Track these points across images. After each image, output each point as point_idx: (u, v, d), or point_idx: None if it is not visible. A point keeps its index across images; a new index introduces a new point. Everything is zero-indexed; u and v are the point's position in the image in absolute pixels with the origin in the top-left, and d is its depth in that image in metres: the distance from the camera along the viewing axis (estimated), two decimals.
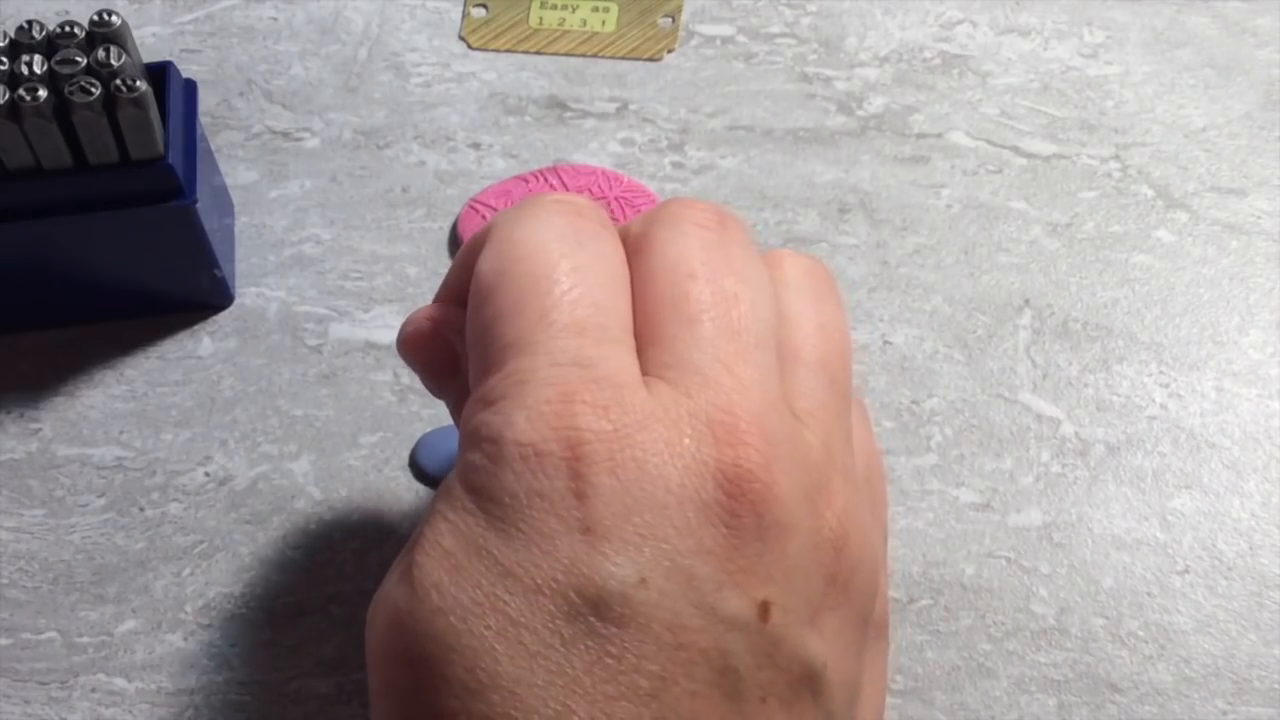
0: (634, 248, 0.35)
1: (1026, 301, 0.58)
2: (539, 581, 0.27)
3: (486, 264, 0.33)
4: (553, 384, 0.29)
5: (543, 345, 0.30)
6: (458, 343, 0.39)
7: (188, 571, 0.52)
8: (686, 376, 0.30)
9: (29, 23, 0.47)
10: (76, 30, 0.47)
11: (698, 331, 0.31)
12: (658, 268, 0.33)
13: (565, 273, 0.32)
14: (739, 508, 0.28)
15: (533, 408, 0.29)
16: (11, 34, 0.47)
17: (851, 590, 0.32)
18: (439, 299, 0.40)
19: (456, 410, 0.41)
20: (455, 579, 0.27)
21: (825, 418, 0.33)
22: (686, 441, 0.29)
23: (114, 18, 0.47)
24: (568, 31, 0.65)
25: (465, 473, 0.30)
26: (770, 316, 0.33)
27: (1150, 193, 0.60)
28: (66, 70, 0.46)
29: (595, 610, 0.27)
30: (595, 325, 0.31)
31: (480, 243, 0.36)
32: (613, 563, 0.27)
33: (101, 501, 0.53)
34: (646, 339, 0.32)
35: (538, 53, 0.65)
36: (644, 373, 0.31)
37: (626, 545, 0.27)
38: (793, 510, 0.29)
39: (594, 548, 0.27)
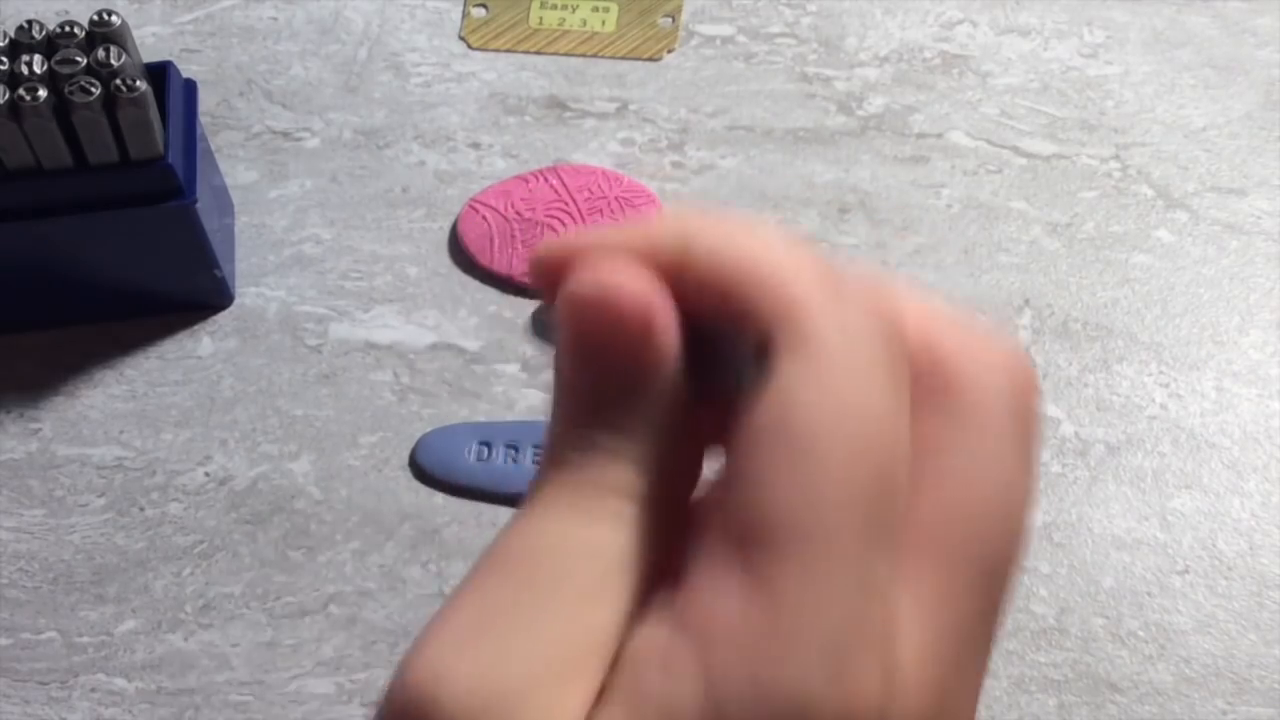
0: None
1: (1026, 301, 0.58)
2: None
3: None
4: None
5: None
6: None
7: (188, 571, 0.52)
8: None
9: (29, 22, 0.47)
10: (76, 30, 0.47)
11: None
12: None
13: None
14: None
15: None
16: (11, 34, 0.47)
17: None
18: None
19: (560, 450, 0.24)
20: None
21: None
22: None
23: (114, 18, 0.47)
24: (568, 31, 0.65)
25: None
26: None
27: (1150, 193, 0.61)
28: (66, 70, 0.46)
29: None
30: None
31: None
32: None
33: (101, 501, 0.53)
34: None
35: (538, 53, 0.65)
36: None
37: None
38: None
39: None
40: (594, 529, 0.22)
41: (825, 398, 0.21)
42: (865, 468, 0.21)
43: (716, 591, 0.21)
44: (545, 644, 0.21)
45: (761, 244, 0.22)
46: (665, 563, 0.22)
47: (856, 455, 0.21)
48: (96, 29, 0.47)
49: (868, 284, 0.23)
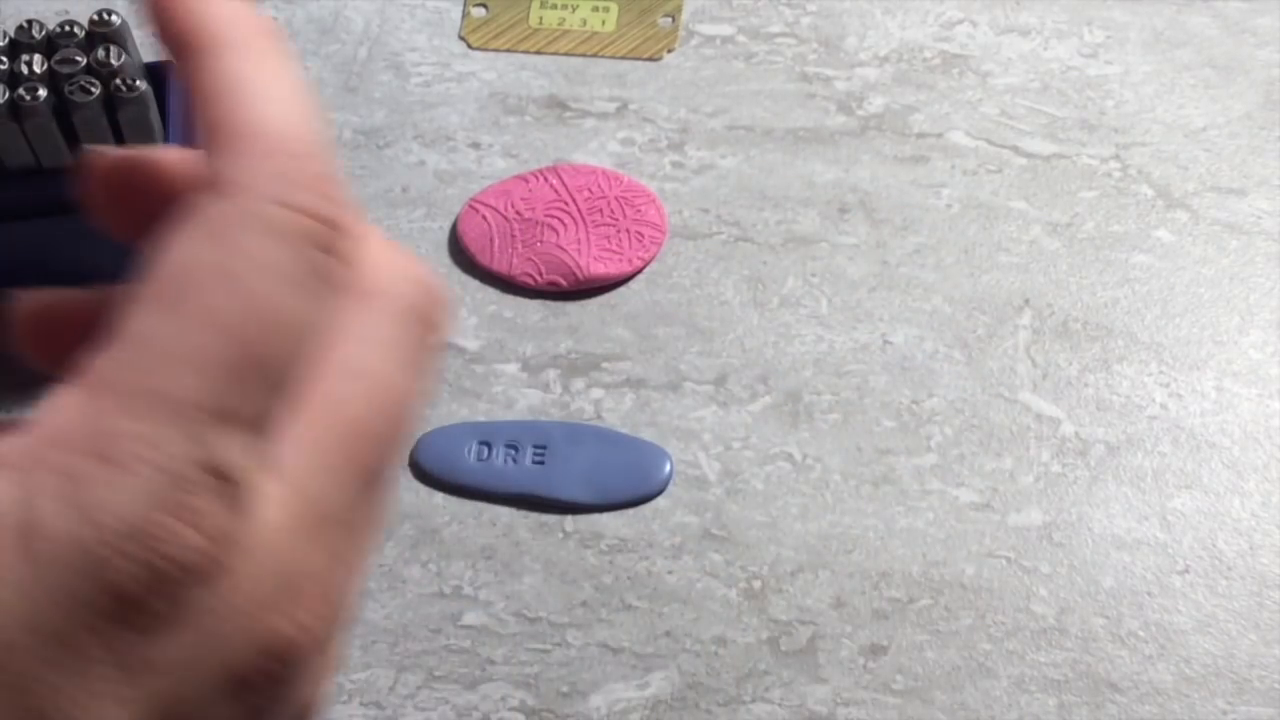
0: None
1: (1026, 301, 0.58)
2: None
3: None
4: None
5: None
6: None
7: None
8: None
9: (29, 22, 0.47)
10: (76, 30, 0.47)
11: None
12: None
13: None
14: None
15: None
16: (11, 34, 0.47)
17: None
18: None
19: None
20: None
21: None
22: None
23: (114, 17, 0.47)
24: (568, 31, 0.65)
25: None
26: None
27: (1150, 192, 0.60)
28: (66, 70, 0.46)
29: None
30: None
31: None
32: None
33: None
34: None
35: (538, 53, 0.65)
36: None
37: None
38: None
39: None
40: None
41: (213, 264, 0.23)
42: (229, 341, 0.22)
43: (56, 410, 0.22)
44: None
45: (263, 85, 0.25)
46: None
47: (224, 322, 0.22)
48: (97, 29, 0.47)
49: (339, 203, 0.24)
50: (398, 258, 0.26)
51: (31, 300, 0.29)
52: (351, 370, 0.25)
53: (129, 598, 0.22)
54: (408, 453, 0.54)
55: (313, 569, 0.24)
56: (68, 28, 0.47)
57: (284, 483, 0.24)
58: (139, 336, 0.23)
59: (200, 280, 0.23)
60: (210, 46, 0.25)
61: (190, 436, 0.22)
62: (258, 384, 0.23)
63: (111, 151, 0.28)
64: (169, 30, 0.26)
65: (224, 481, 0.22)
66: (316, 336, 0.24)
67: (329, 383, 0.24)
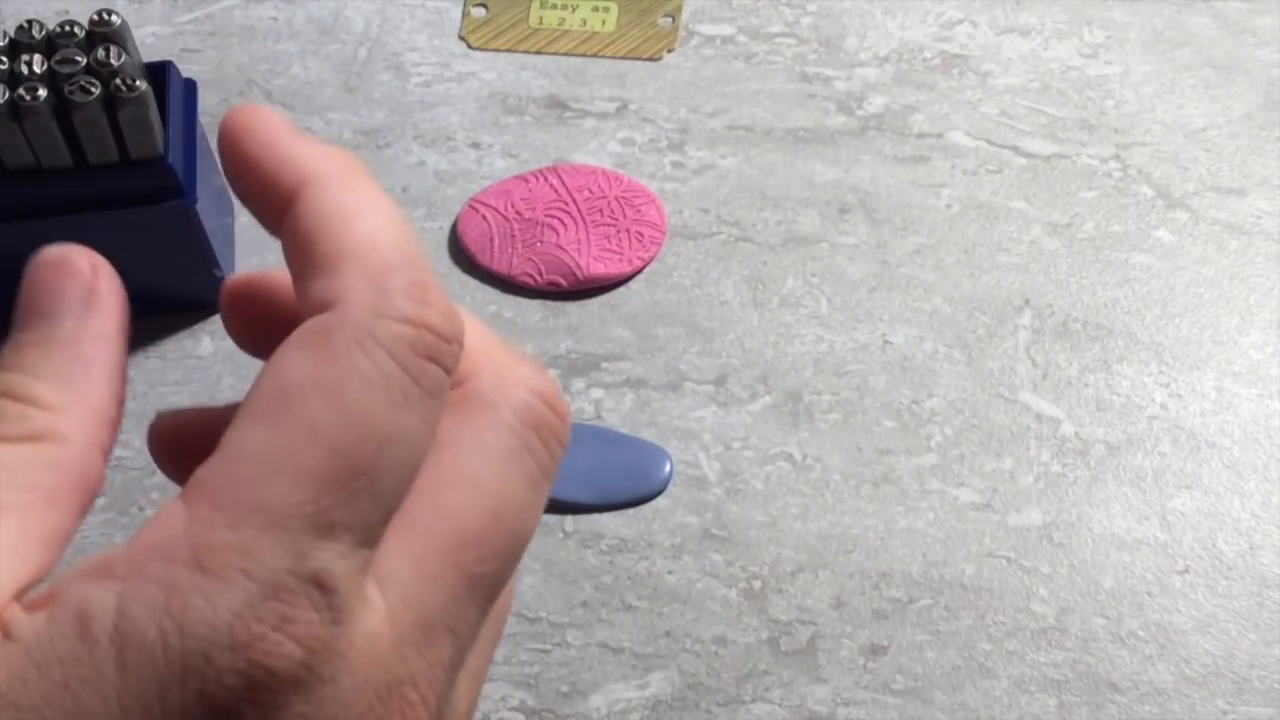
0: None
1: (1026, 301, 0.58)
2: None
3: None
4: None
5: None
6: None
7: None
8: None
9: (29, 22, 0.47)
10: (76, 30, 0.47)
11: None
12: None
13: None
14: None
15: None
16: (11, 34, 0.47)
17: None
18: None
19: None
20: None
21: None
22: None
23: (114, 17, 0.47)
24: (568, 31, 0.65)
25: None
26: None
27: (1150, 193, 0.61)
28: (66, 70, 0.46)
29: None
30: None
31: None
32: None
33: (101, 501, 0.53)
34: None
35: (538, 53, 0.65)
36: None
37: None
38: None
39: None
40: None
41: (318, 380, 0.23)
42: (331, 454, 0.22)
43: (160, 522, 0.22)
44: None
45: (358, 219, 0.24)
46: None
47: (323, 433, 0.22)
48: (97, 29, 0.47)
49: (438, 309, 0.24)
50: (517, 365, 0.26)
51: (167, 419, 0.28)
52: (462, 480, 0.24)
53: (223, 708, 0.21)
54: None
55: (417, 677, 0.24)
56: (68, 28, 0.47)
57: (387, 591, 0.23)
58: (240, 449, 0.23)
59: (300, 393, 0.23)
60: (301, 184, 0.25)
61: (288, 546, 0.22)
62: (358, 494, 0.23)
63: (241, 276, 0.28)
64: (254, 174, 0.25)
65: (323, 591, 0.22)
66: (420, 445, 0.23)
67: (437, 492, 0.24)
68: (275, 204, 0.25)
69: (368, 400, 0.23)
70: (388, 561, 0.23)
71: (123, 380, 0.25)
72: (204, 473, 0.23)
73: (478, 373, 0.25)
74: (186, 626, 0.21)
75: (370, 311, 0.23)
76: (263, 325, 0.29)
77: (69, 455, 0.24)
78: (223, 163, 0.25)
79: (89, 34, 0.47)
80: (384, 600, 0.23)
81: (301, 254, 0.25)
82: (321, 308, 0.23)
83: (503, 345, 0.26)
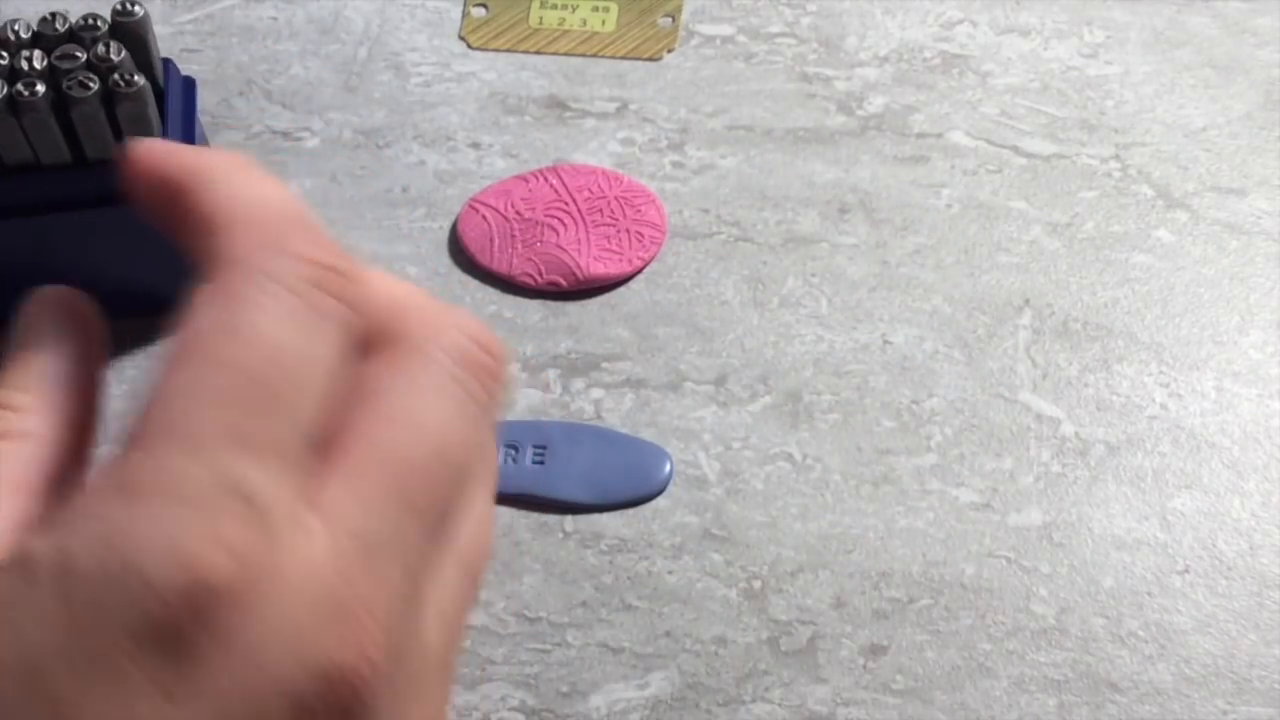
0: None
1: (1026, 301, 0.58)
2: None
3: None
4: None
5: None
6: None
7: None
8: None
9: (52, 15, 0.47)
10: (100, 23, 0.47)
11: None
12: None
13: None
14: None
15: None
16: (35, 26, 0.47)
17: None
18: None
19: None
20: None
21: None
22: None
23: (137, 8, 0.47)
24: (568, 31, 0.65)
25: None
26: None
27: (1150, 193, 0.60)
28: (65, 65, 0.46)
29: None
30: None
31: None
32: None
33: None
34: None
35: (538, 52, 0.65)
36: None
37: None
38: None
39: None
40: None
41: (219, 321, 0.24)
42: (238, 377, 0.24)
43: (99, 466, 0.24)
44: None
45: (243, 187, 0.26)
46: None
47: (230, 360, 0.24)
48: (120, 19, 0.47)
49: (332, 251, 0.26)
50: (448, 312, 0.27)
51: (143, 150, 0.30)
52: (398, 417, 0.25)
53: (162, 623, 0.22)
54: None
55: (367, 600, 0.24)
56: (91, 20, 0.47)
57: (330, 522, 0.24)
58: (155, 394, 0.24)
59: (207, 335, 0.24)
60: (194, 182, 0.26)
61: (209, 464, 0.23)
62: (273, 414, 0.24)
63: (154, 150, 0.29)
64: (156, 183, 0.27)
65: (252, 508, 0.23)
66: (329, 367, 0.25)
67: (375, 430, 0.25)
68: (169, 197, 0.27)
69: (272, 328, 0.24)
70: (329, 495, 0.24)
71: (93, 390, 0.28)
72: (131, 421, 0.24)
73: (407, 323, 0.26)
74: (125, 554, 0.22)
75: (265, 255, 0.25)
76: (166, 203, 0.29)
77: (36, 451, 0.26)
78: (131, 189, 0.27)
79: (113, 26, 0.47)
80: (327, 530, 0.24)
81: (195, 228, 0.26)
82: (220, 261, 0.25)
83: (433, 300, 0.27)
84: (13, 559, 0.23)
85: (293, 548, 0.23)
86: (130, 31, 0.47)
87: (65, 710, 0.22)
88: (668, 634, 0.51)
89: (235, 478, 0.23)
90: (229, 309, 0.24)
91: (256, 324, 0.24)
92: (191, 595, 0.22)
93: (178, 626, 0.22)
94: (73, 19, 0.47)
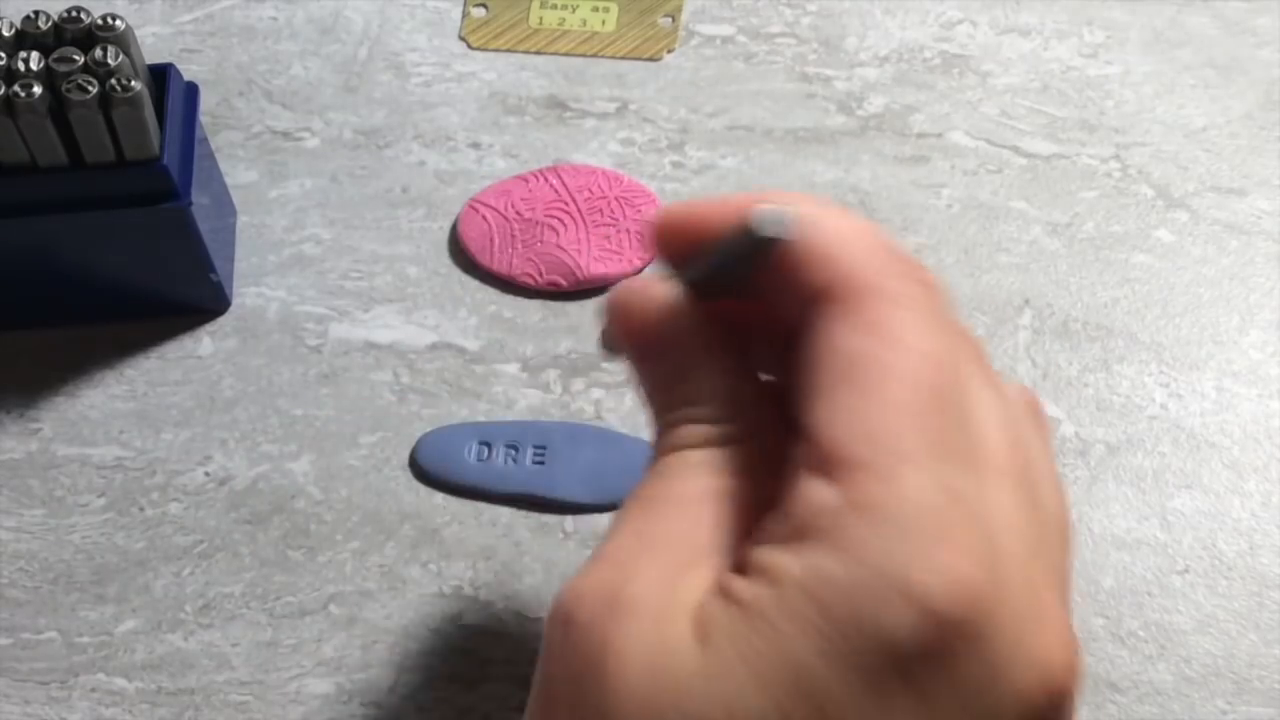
0: None
1: (1026, 301, 0.58)
2: None
3: None
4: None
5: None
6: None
7: (188, 571, 0.52)
8: None
9: (36, 12, 0.47)
10: (83, 16, 0.47)
11: None
12: None
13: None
14: None
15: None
16: (18, 24, 0.47)
17: None
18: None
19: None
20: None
21: None
22: None
23: (118, 23, 0.47)
24: (568, 31, 0.65)
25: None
26: None
27: (1150, 193, 0.60)
28: (64, 68, 0.46)
29: None
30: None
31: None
32: None
33: (101, 501, 0.53)
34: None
35: (538, 53, 0.65)
36: None
37: None
38: None
39: None
40: (685, 478, 0.28)
41: (885, 344, 0.27)
42: (920, 390, 0.26)
43: (800, 499, 0.26)
44: (651, 560, 0.27)
45: (833, 225, 0.29)
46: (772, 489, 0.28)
47: (909, 380, 0.27)
48: (100, 32, 0.47)
49: (915, 262, 0.30)
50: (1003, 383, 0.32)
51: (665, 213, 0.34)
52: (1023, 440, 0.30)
53: (924, 635, 0.25)
54: (408, 453, 0.54)
55: (1050, 594, 0.28)
56: (74, 12, 0.47)
57: (1009, 521, 0.27)
58: (838, 411, 0.27)
59: (878, 356, 0.27)
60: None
61: (933, 480, 0.26)
62: (953, 420, 0.27)
63: (671, 211, 0.33)
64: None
65: (977, 522, 0.26)
66: (974, 388, 0.29)
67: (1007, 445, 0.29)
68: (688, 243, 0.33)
69: (922, 342, 0.27)
70: (990, 495, 0.28)
71: (761, 395, 0.31)
72: (821, 430, 0.27)
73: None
74: (882, 571, 0.25)
75: (886, 278, 0.28)
76: (684, 248, 0.33)
77: (738, 458, 0.29)
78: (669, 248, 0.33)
79: (89, 33, 0.47)
80: (1011, 525, 0.27)
81: (792, 263, 0.30)
82: (842, 292, 0.29)
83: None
84: (756, 569, 0.26)
85: (1009, 558, 0.26)
86: (108, 44, 0.47)
87: (830, 709, 0.24)
88: None
89: (956, 490, 0.26)
90: (885, 331, 0.27)
91: (907, 339, 0.27)
92: (948, 610, 0.25)
93: (940, 639, 0.25)
94: (55, 16, 0.47)
